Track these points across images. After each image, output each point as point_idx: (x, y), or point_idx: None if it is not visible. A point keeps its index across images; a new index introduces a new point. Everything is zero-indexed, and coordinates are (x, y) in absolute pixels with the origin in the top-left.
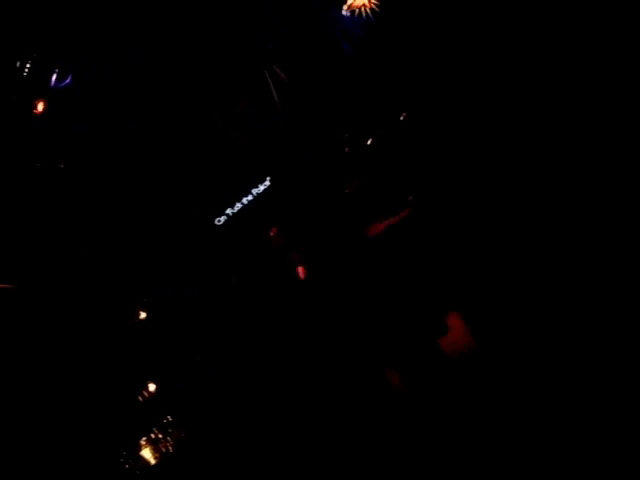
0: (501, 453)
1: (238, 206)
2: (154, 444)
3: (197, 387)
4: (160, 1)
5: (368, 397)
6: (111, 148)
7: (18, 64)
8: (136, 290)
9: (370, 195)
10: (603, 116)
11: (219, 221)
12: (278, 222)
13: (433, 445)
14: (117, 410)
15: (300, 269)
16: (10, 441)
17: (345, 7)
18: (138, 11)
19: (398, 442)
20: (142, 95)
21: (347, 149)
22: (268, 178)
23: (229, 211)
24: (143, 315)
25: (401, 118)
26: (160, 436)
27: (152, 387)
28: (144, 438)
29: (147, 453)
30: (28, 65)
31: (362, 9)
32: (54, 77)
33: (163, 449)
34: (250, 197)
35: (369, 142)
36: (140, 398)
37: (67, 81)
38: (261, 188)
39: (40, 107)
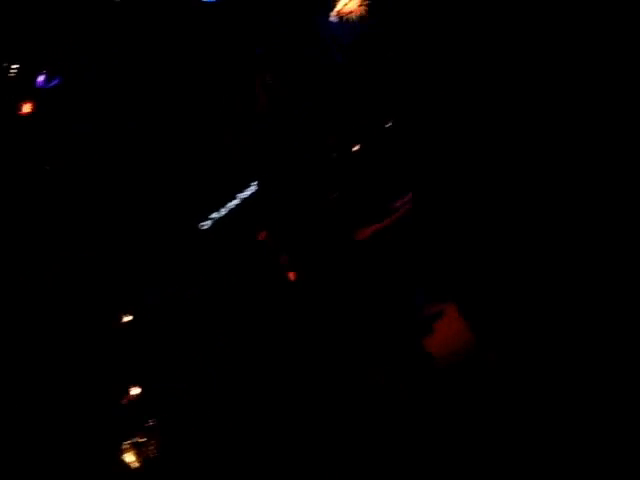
0: (490, 455)
1: (223, 211)
2: (137, 448)
3: (189, 389)
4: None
5: (356, 397)
6: (109, 149)
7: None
8: (126, 291)
9: (355, 201)
10: (598, 115)
11: (204, 225)
12: (266, 226)
13: (418, 446)
14: (103, 412)
15: (291, 273)
16: None
17: (333, 13)
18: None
19: (384, 443)
20: (134, 96)
21: (334, 154)
22: (254, 183)
23: (214, 215)
24: (127, 318)
25: (387, 125)
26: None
27: (136, 391)
28: (128, 442)
29: (130, 457)
30: (15, 66)
31: (350, 16)
32: (41, 78)
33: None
34: (236, 201)
35: (356, 148)
36: (125, 400)
37: (55, 82)
38: (247, 193)
39: (26, 109)
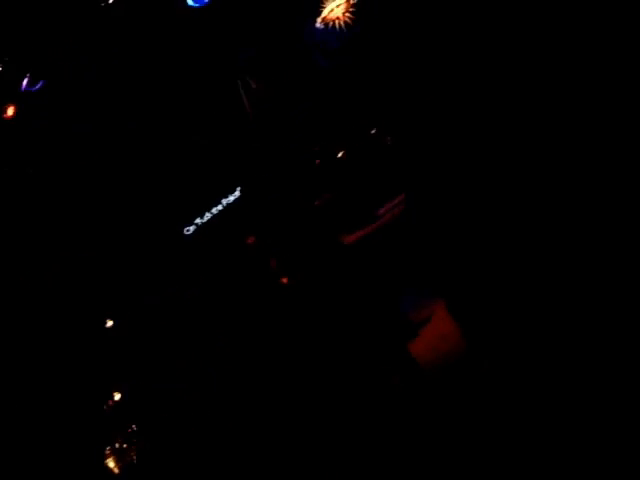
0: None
1: (208, 216)
2: (118, 453)
3: (189, 389)
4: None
5: (348, 399)
6: (108, 149)
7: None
8: (126, 291)
9: (340, 207)
10: (595, 116)
11: (188, 230)
12: (254, 231)
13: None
14: (103, 412)
15: (283, 277)
16: None
17: (319, 20)
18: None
19: (374, 447)
20: (128, 98)
21: (317, 161)
22: (238, 188)
23: (198, 221)
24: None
25: (372, 132)
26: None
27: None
28: (109, 447)
29: (111, 463)
30: None
31: (336, 22)
32: (25, 81)
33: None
34: (220, 207)
35: (340, 155)
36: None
37: (38, 85)
38: (231, 198)
39: (10, 112)
